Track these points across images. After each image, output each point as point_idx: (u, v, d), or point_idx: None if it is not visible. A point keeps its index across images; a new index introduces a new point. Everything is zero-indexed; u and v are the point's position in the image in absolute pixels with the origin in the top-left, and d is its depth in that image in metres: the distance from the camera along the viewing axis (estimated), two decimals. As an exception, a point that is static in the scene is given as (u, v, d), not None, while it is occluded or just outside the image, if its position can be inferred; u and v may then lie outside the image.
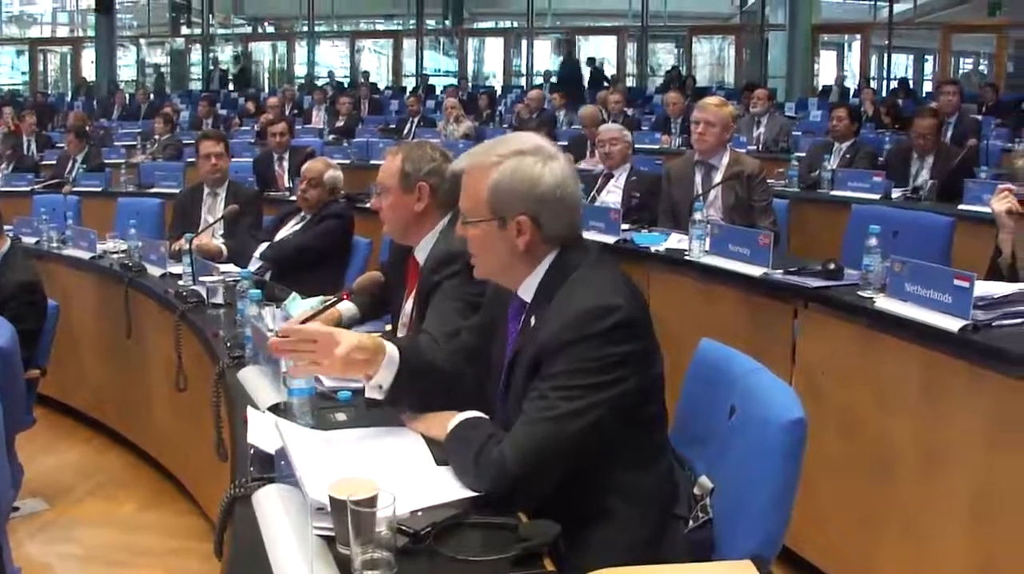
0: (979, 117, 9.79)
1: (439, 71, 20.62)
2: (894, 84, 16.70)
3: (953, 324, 2.54)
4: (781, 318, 3.33)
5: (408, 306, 2.73)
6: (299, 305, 2.98)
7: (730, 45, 19.27)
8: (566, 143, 7.70)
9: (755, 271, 3.46)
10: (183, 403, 3.66)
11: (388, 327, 2.93)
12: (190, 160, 7.19)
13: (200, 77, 20.43)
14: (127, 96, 16.16)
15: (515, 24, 20.28)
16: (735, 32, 19.27)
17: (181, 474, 3.99)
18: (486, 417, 1.81)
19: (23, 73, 21.69)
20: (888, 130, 9.74)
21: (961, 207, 4.88)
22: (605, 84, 15.04)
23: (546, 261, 1.83)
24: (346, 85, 17.05)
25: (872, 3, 18.14)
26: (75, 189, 7.10)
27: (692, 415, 2.02)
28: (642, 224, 4.63)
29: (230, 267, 3.96)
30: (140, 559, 3.50)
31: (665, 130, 9.11)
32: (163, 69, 21.27)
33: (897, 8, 17.45)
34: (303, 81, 18.68)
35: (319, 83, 17.06)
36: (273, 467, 1.74)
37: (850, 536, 2.95)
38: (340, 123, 10.96)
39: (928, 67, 19.22)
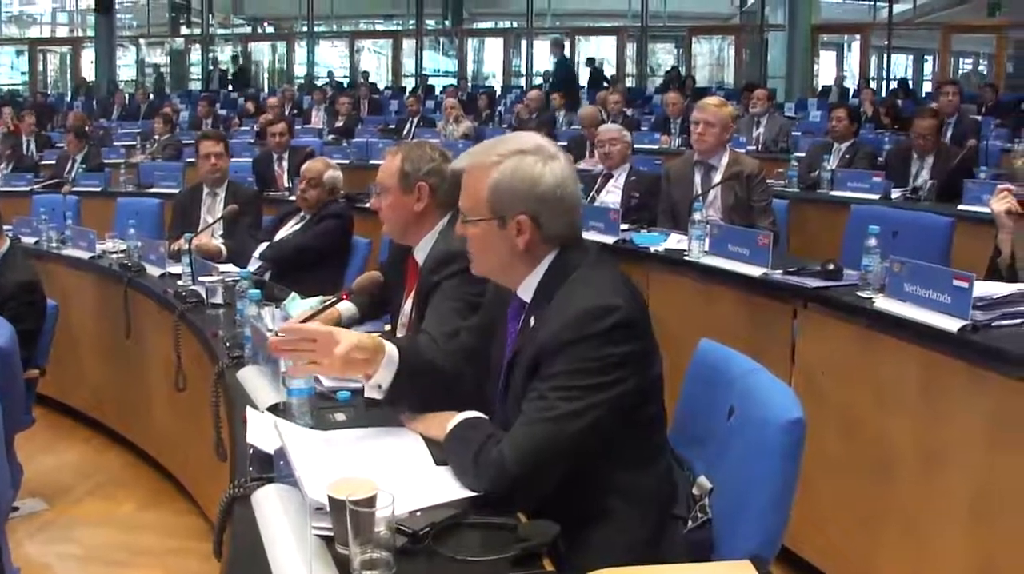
0: (979, 117, 9.80)
1: (439, 71, 20.62)
2: (894, 84, 16.70)
3: (952, 324, 2.54)
4: (780, 318, 3.33)
5: (407, 306, 2.73)
6: (298, 305, 2.98)
7: (730, 45, 19.26)
8: (565, 143, 7.70)
9: (754, 271, 3.46)
10: (182, 403, 3.66)
11: (387, 327, 2.93)
12: (189, 160, 7.19)
13: (200, 77, 20.41)
14: (127, 96, 16.15)
15: (515, 24, 20.28)
16: (735, 32, 19.26)
17: (180, 474, 3.99)
18: (485, 417, 1.81)
19: (23, 73, 21.68)
20: (887, 130, 9.74)
21: (960, 207, 4.89)
22: (605, 84, 15.03)
23: (545, 261, 1.83)
24: (346, 85, 17.04)
25: (872, 3, 18.14)
26: (74, 189, 7.10)
27: (691, 415, 2.03)
28: (641, 224, 4.63)
29: (229, 267, 3.96)
30: (139, 559, 3.50)
31: (664, 130, 9.11)
32: (163, 69, 21.25)
33: (897, 8, 17.44)
34: (303, 81, 18.66)
35: (319, 83, 17.06)
36: (272, 467, 1.74)
37: (849, 536, 2.95)
38: (339, 123, 10.97)
39: (928, 67, 19.22)
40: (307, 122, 11.95)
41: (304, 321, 1.94)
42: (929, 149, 5.67)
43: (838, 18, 19.32)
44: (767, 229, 4.02)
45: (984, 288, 2.65)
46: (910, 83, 17.35)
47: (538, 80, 17.06)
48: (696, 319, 3.74)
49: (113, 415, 4.63)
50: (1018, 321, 2.57)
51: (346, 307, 2.92)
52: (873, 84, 15.90)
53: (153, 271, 4.12)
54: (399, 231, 2.71)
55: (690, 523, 1.80)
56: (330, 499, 1.43)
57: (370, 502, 1.37)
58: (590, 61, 18.23)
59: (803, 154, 6.72)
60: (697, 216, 3.85)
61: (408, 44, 19.73)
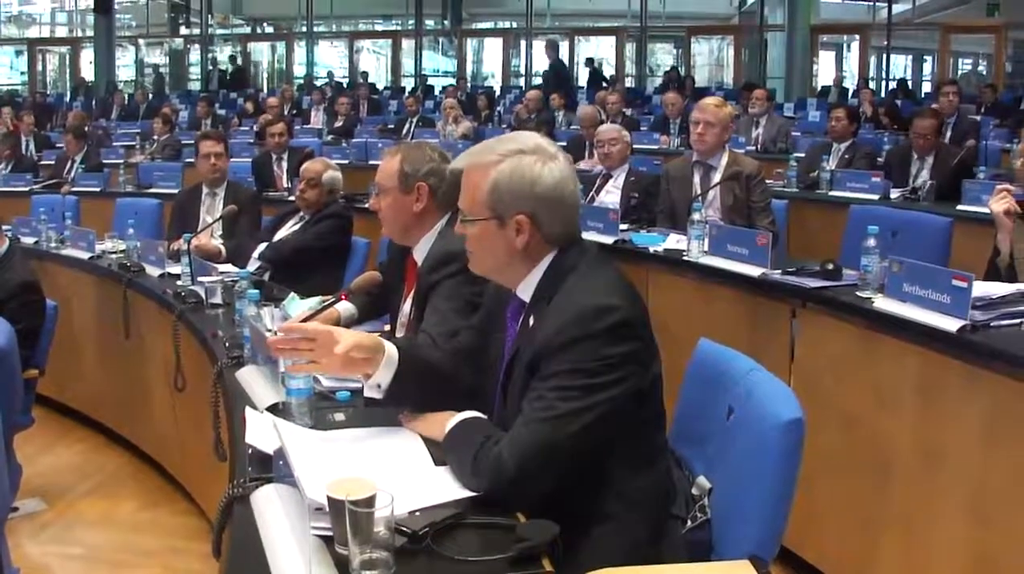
0: (978, 117, 9.81)
1: (438, 71, 20.62)
2: (893, 85, 16.72)
3: (951, 324, 2.55)
4: (779, 318, 3.33)
5: (407, 306, 2.73)
6: (297, 305, 2.98)
7: (729, 45, 19.27)
8: (564, 143, 7.70)
9: (754, 271, 3.46)
10: (182, 403, 3.66)
11: (387, 327, 2.93)
12: (189, 160, 7.19)
13: (199, 77, 20.41)
14: (126, 96, 16.15)
15: (514, 24, 20.28)
16: (734, 32, 19.26)
17: (180, 474, 3.99)
18: (484, 417, 1.81)
19: (22, 73, 21.67)
20: (887, 130, 9.75)
21: (959, 207, 4.89)
22: (604, 84, 15.03)
23: (545, 261, 1.83)
24: (345, 85, 17.04)
25: (871, 4, 18.15)
26: (74, 189, 7.09)
27: (690, 415, 2.03)
28: (641, 224, 4.63)
29: (229, 267, 3.97)
30: (139, 559, 3.50)
31: (664, 130, 9.11)
32: (162, 69, 21.24)
33: (896, 9, 17.46)
34: (302, 81, 18.65)
35: (318, 83, 17.04)
36: (271, 467, 1.74)
37: (848, 536, 2.95)
38: (339, 123, 10.97)
39: (927, 67, 19.23)
40: (306, 122, 11.95)
41: (303, 321, 1.95)
42: (929, 149, 5.68)
43: (837, 18, 19.32)
44: (766, 229, 4.02)
45: (983, 288, 2.66)
46: (909, 83, 17.37)
47: (537, 80, 17.06)
48: (695, 319, 3.74)
49: (112, 415, 4.63)
50: (1017, 321, 2.57)
51: (345, 307, 2.92)
52: (872, 84, 15.91)
53: (152, 271, 4.12)
54: (398, 231, 2.72)
55: (689, 523, 1.80)
56: (329, 499, 1.43)
57: (369, 502, 1.37)
58: (589, 61, 18.24)
59: (802, 154, 6.72)
60: (696, 216, 3.85)
61: (407, 44, 19.73)
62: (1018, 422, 2.38)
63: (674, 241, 4.10)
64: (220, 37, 21.41)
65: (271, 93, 15.16)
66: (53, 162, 8.33)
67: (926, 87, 17.57)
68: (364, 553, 1.36)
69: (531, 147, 1.81)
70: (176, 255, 4.13)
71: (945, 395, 2.62)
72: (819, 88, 16.33)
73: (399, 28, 20.39)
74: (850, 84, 16.07)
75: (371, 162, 7.74)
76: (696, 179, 4.55)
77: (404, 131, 10.17)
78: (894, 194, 5.49)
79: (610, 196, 5.21)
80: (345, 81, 18.39)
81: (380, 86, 17.91)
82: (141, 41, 21.43)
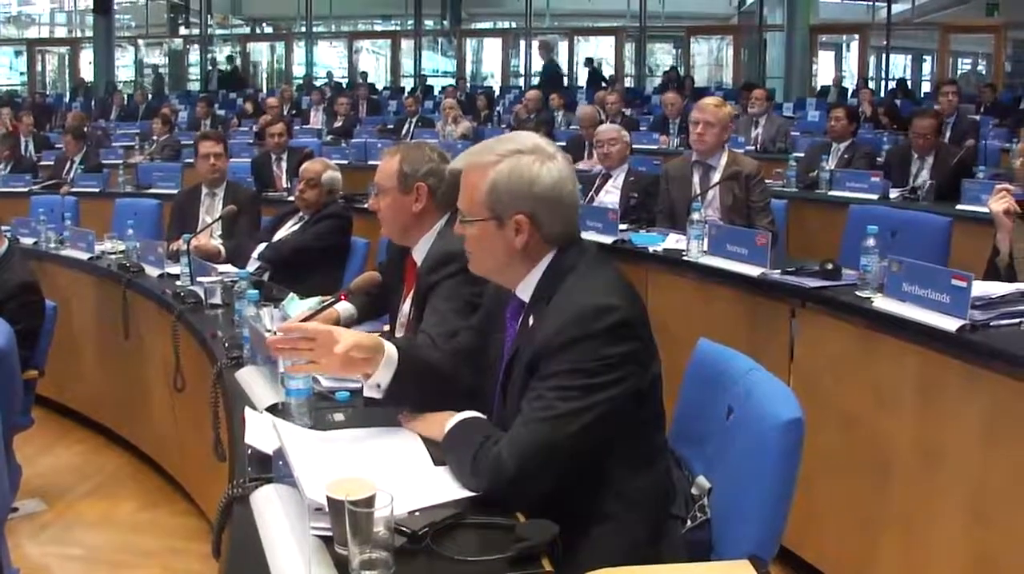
0: (977, 117, 9.81)
1: (437, 71, 20.62)
2: (892, 84, 16.72)
3: (951, 324, 2.55)
4: (779, 318, 3.33)
5: (406, 306, 2.73)
6: (297, 306, 2.98)
7: (728, 45, 19.27)
8: (564, 143, 7.70)
9: (753, 271, 3.46)
10: (181, 404, 3.66)
11: (386, 327, 2.93)
12: (188, 161, 7.19)
13: (198, 78, 20.41)
14: (125, 97, 16.15)
15: (513, 24, 20.28)
16: (733, 32, 19.26)
17: (179, 475, 3.99)
18: (484, 417, 1.81)
19: (21, 73, 21.67)
20: (886, 130, 9.75)
21: (959, 207, 4.89)
22: (603, 84, 15.03)
23: (544, 261, 1.83)
24: (344, 85, 17.04)
25: (870, 3, 18.15)
26: (73, 190, 7.09)
27: (690, 415, 2.03)
28: (640, 224, 4.63)
29: (228, 268, 3.97)
30: (138, 559, 3.50)
31: (663, 130, 9.11)
32: (161, 70, 21.25)
33: (895, 8, 17.46)
34: (301, 82, 18.66)
35: (317, 83, 17.05)
36: (271, 467, 1.74)
37: (848, 536, 2.95)
38: (338, 123, 10.97)
39: (926, 67, 19.24)
40: (306, 122, 11.95)
41: (303, 321, 1.95)
42: (928, 149, 5.68)
43: (837, 18, 19.32)
44: (765, 229, 4.02)
45: (982, 288, 2.66)
46: (908, 83, 17.37)
47: (537, 80, 17.07)
48: (695, 319, 3.74)
49: (112, 416, 4.63)
50: (1016, 321, 2.57)
51: (344, 307, 2.93)
52: (872, 84, 15.90)
53: (152, 272, 4.12)
54: (398, 231, 2.72)
55: (689, 523, 1.80)
56: (329, 499, 1.43)
57: (369, 502, 1.37)
58: (588, 61, 18.25)
59: (802, 154, 6.73)
60: (696, 216, 3.85)
61: (407, 44, 19.73)
62: (1017, 422, 2.38)
63: (673, 241, 4.10)
64: (219, 37, 21.41)
65: (270, 93, 15.16)
66: (52, 163, 8.33)
67: (925, 87, 17.59)
68: (364, 553, 1.36)
69: (529, 147, 1.81)
70: (175, 255, 4.13)
71: (944, 395, 2.62)
72: (818, 88, 16.33)
73: (398, 28, 20.39)
74: (849, 84, 16.08)
75: (370, 162, 7.74)
76: (695, 179, 4.55)
77: (403, 131, 10.17)
78: (893, 194, 5.49)
79: (609, 196, 5.21)
80: (344, 81, 18.38)
81: (379, 86, 17.91)
82: (140, 41, 21.42)
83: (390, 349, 1.88)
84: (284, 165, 7.04)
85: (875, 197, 5.40)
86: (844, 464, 2.94)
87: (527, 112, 10.68)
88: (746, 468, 1.71)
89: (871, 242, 3.01)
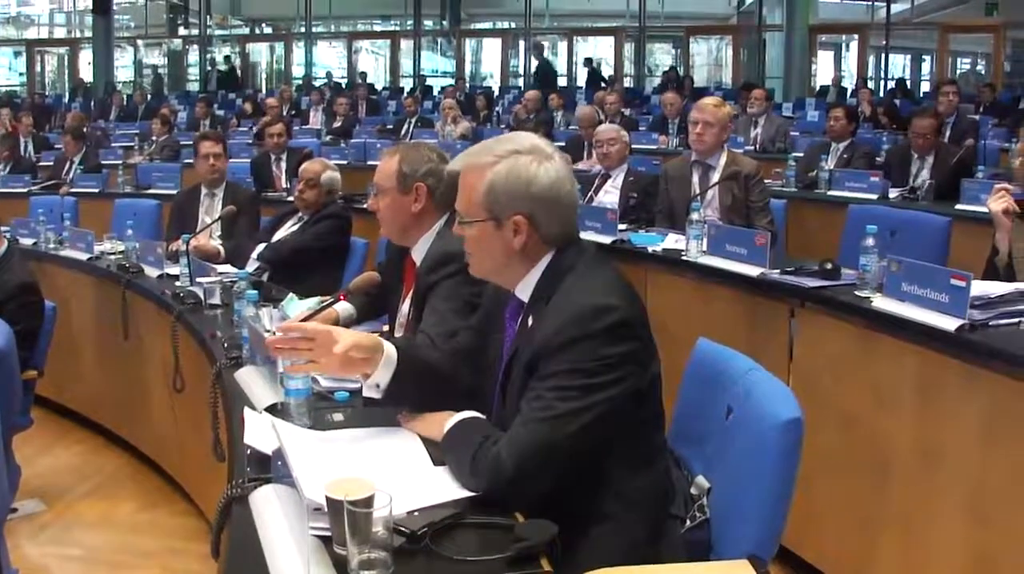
0: (976, 117, 9.81)
1: (436, 72, 20.63)
2: (891, 84, 16.73)
3: (950, 324, 2.55)
4: (778, 318, 3.33)
5: (405, 307, 2.73)
6: (296, 306, 2.98)
7: (727, 45, 19.29)
8: (563, 144, 7.71)
9: (752, 271, 3.46)
10: (180, 404, 3.66)
11: (385, 328, 2.93)
12: (187, 161, 7.19)
13: (197, 78, 20.41)
14: (124, 97, 16.15)
15: (512, 25, 20.28)
16: (732, 32, 19.27)
17: (178, 475, 3.99)
18: (483, 417, 1.81)
19: (20, 74, 21.68)
20: (885, 130, 9.76)
21: (958, 207, 4.89)
22: (603, 85, 15.04)
23: (543, 261, 1.83)
24: (343, 86, 17.04)
25: (869, 3, 18.15)
26: (72, 190, 7.09)
27: (689, 415, 2.03)
28: (639, 224, 4.63)
29: (227, 268, 3.97)
30: (138, 560, 3.49)
31: (662, 130, 9.11)
32: (160, 70, 21.25)
33: (894, 8, 17.47)
34: (300, 82, 18.66)
35: (316, 84, 17.05)
36: (270, 468, 1.74)
37: (847, 535, 2.95)
38: (337, 124, 10.97)
39: (925, 67, 19.26)
40: (305, 123, 11.96)
41: (302, 321, 1.95)
42: (928, 149, 5.68)
43: (836, 18, 19.33)
44: (765, 229, 4.02)
45: (981, 287, 2.65)
46: (908, 83, 17.38)
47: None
48: (694, 319, 3.74)
49: (111, 416, 4.63)
50: (1015, 320, 2.57)
51: (343, 308, 2.93)
52: (871, 84, 15.92)
53: (151, 272, 4.12)
54: (397, 232, 2.72)
55: (688, 523, 1.80)
56: (328, 499, 1.43)
57: (368, 502, 1.37)
58: (588, 61, 18.25)
59: (801, 154, 6.73)
60: (695, 216, 3.85)
61: (406, 45, 19.73)
62: (1016, 421, 2.38)
63: (673, 241, 4.11)
64: (219, 38, 21.41)
65: (270, 94, 15.17)
66: (52, 163, 8.34)
67: (924, 87, 17.61)
68: (363, 553, 1.36)
69: (527, 147, 1.81)
70: (175, 256, 4.12)
71: (944, 394, 2.62)
72: (818, 88, 16.34)
73: (398, 28, 20.39)
74: (849, 84, 16.09)
75: (370, 162, 7.75)
76: (695, 179, 4.55)
77: (403, 131, 10.17)
78: (892, 193, 5.49)
79: (609, 196, 5.21)
80: (344, 81, 18.38)
81: (379, 86, 17.91)
82: (140, 42, 21.43)
83: (389, 349, 1.88)
84: (283, 165, 7.04)
85: (874, 197, 5.41)
86: (843, 464, 2.94)
87: (526, 112, 10.68)
88: (745, 468, 1.71)
89: (870, 242, 3.01)
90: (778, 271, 3.38)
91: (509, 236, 1.80)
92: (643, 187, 5.07)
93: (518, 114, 10.85)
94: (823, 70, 18.21)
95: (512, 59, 19.58)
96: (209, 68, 20.08)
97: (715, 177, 4.48)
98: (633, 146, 5.90)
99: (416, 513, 1.53)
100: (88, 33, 20.60)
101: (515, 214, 1.79)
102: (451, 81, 17.89)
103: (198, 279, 3.63)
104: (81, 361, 4.76)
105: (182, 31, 21.73)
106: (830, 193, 5.71)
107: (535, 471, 1.64)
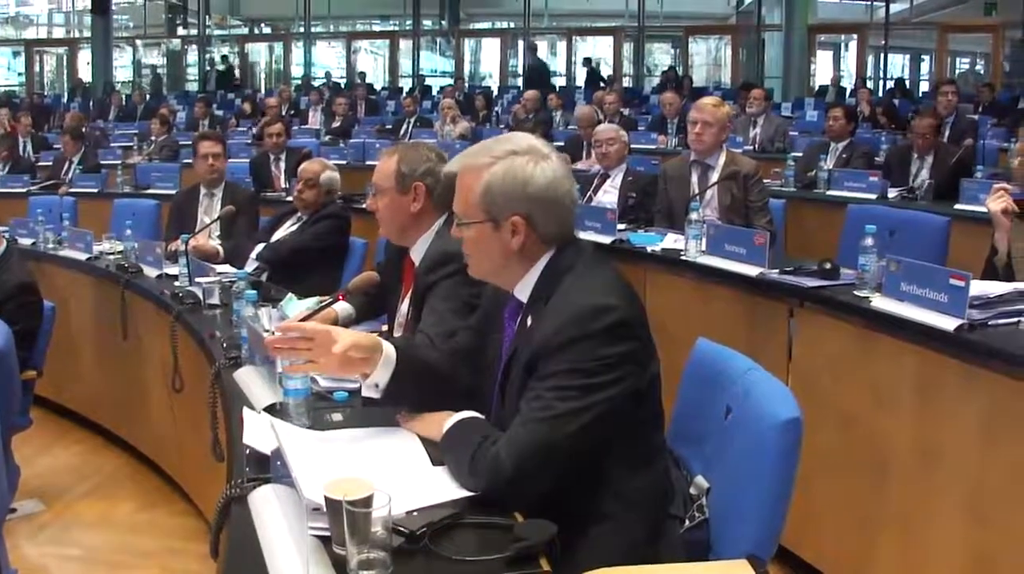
0: (975, 117, 9.81)
1: (435, 72, 20.63)
2: (890, 84, 16.73)
3: (949, 323, 2.55)
4: (777, 318, 3.33)
5: (404, 307, 2.73)
6: (295, 306, 2.98)
7: (726, 45, 19.28)
8: (562, 143, 7.71)
9: (751, 271, 3.46)
10: (179, 404, 3.66)
11: (384, 328, 2.93)
12: (186, 161, 7.19)
13: (196, 78, 20.40)
14: (123, 97, 16.14)
15: (511, 25, 20.28)
16: (731, 32, 19.27)
17: (178, 475, 3.98)
18: (482, 417, 1.81)
19: (19, 74, 21.66)
20: (884, 130, 9.76)
21: (957, 207, 4.90)
22: (602, 84, 15.04)
23: (541, 261, 1.83)
24: (342, 86, 17.04)
25: (868, 3, 18.16)
26: (71, 190, 7.09)
27: (688, 415, 2.03)
28: (638, 224, 4.63)
29: (226, 268, 3.97)
30: (137, 560, 3.49)
31: (661, 130, 9.11)
32: (159, 70, 21.24)
33: (893, 8, 17.47)
34: (299, 82, 18.65)
35: (315, 84, 17.05)
36: (269, 468, 1.74)
37: (846, 535, 2.95)
38: (336, 124, 10.97)
39: (924, 67, 19.26)
40: (304, 123, 11.96)
41: (301, 321, 1.94)
42: (928, 148, 5.69)
43: (835, 18, 19.34)
44: (764, 228, 4.02)
45: (980, 287, 2.66)
46: (907, 83, 17.38)
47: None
48: (693, 319, 3.74)
49: (110, 416, 4.62)
50: (1014, 320, 2.57)
51: (342, 307, 2.93)
52: (870, 84, 15.92)
53: (150, 272, 4.11)
54: (396, 232, 2.72)
55: (687, 523, 1.80)
56: (327, 499, 1.43)
57: (367, 502, 1.37)
58: (587, 61, 18.25)
59: (800, 154, 6.74)
60: (694, 216, 3.85)
61: (405, 44, 19.73)
62: (1016, 421, 2.38)
63: (672, 241, 4.11)
64: (217, 38, 21.40)
65: (269, 94, 15.16)
66: (51, 163, 8.33)
67: (924, 86, 17.61)
68: (362, 553, 1.36)
69: (524, 148, 1.81)
70: (174, 256, 4.12)
71: (943, 394, 2.62)
72: (816, 88, 16.34)
73: (397, 28, 20.39)
74: (848, 83, 16.09)
75: (369, 162, 7.75)
76: (694, 179, 4.55)
77: (402, 131, 10.17)
78: (892, 193, 5.50)
79: (608, 196, 5.21)
80: (343, 81, 18.39)
81: (378, 86, 17.90)
82: (138, 42, 21.41)
83: (388, 349, 1.88)
84: (282, 165, 7.03)
85: (873, 196, 5.41)
86: (842, 463, 2.94)
87: (525, 112, 10.68)
88: (744, 468, 1.71)
89: (869, 242, 3.01)
90: (777, 271, 3.38)
91: (507, 237, 1.80)
92: (642, 187, 5.07)
93: (517, 114, 10.85)
94: (822, 70, 18.21)
95: (511, 59, 19.56)
96: (208, 68, 20.06)
97: (714, 177, 4.48)
98: (632, 146, 5.90)
99: (415, 513, 1.53)
100: (87, 33, 20.56)
101: (513, 215, 1.78)
102: (450, 81, 17.88)
103: (197, 279, 3.63)
104: (80, 361, 4.76)
105: (181, 31, 21.72)
106: (829, 193, 5.71)
107: (534, 471, 1.64)
